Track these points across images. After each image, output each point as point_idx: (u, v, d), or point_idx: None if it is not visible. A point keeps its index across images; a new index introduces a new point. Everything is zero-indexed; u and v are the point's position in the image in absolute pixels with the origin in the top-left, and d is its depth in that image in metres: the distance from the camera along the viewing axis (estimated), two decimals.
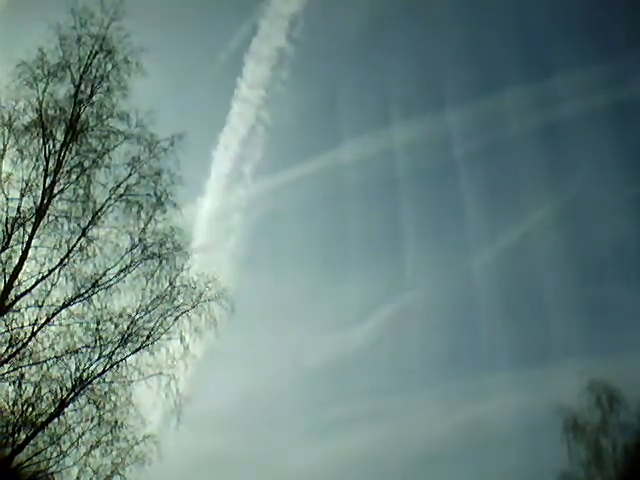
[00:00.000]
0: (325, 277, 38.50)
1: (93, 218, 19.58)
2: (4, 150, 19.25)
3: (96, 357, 19.05)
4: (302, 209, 38.59)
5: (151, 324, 19.62)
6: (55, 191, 19.35)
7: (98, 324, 19.21)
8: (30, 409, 18.41)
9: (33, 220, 18.92)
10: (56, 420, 18.60)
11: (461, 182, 41.60)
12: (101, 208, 19.71)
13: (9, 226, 18.72)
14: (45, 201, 19.13)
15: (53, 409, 18.54)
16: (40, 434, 18.53)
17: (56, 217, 19.33)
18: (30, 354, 18.59)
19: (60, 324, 18.96)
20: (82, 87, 20.03)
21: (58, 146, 19.56)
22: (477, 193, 41.18)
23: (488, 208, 40.89)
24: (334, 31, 38.94)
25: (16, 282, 18.60)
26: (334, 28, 38.86)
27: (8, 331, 18.46)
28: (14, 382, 18.39)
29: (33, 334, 18.52)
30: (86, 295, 19.24)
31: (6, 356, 18.25)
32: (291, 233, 36.42)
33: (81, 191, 19.73)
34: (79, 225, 19.45)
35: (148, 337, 19.50)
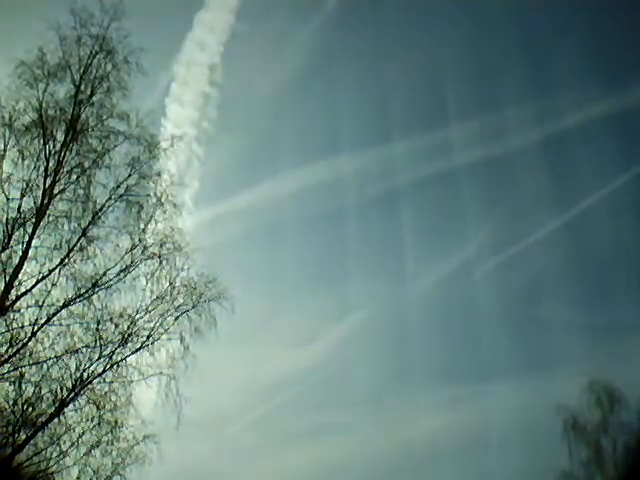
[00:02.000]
0: (279, 299, 39.21)
1: (93, 218, 19.59)
2: (4, 150, 19.23)
3: (96, 357, 19.04)
4: (249, 236, 39.43)
5: (151, 324, 19.62)
6: (55, 191, 19.34)
7: (98, 324, 19.21)
8: (30, 409, 18.42)
9: (33, 220, 18.92)
10: (56, 420, 18.61)
11: (402, 208, 43.18)
12: (101, 208, 19.73)
13: (9, 226, 18.71)
14: (45, 201, 19.11)
15: (53, 409, 18.54)
16: (40, 434, 18.54)
17: (56, 217, 19.35)
18: (30, 354, 18.59)
19: (60, 324, 18.95)
20: (82, 87, 20.02)
21: (58, 146, 19.55)
22: (424, 215, 42.96)
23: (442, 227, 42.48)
24: (258, 75, 40.52)
25: (16, 282, 18.59)
26: (258, 72, 40.50)
27: (8, 331, 18.45)
28: (14, 382, 18.41)
29: (33, 334, 18.50)
30: (86, 295, 19.23)
31: (6, 356, 18.24)
32: (239, 259, 36.91)
33: (81, 191, 19.76)
34: (79, 225, 19.47)
35: (148, 337, 19.49)
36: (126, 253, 19.74)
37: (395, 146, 42.83)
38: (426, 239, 42.09)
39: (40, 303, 18.73)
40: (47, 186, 19.20)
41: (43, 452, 18.68)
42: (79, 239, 19.35)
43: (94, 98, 20.14)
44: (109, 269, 19.56)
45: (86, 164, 19.84)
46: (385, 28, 41.51)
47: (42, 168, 19.30)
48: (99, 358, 19.05)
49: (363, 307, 40.81)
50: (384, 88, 42.91)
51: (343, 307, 40.63)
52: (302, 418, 35.81)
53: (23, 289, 18.71)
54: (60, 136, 19.67)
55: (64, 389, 18.66)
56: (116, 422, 19.14)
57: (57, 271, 19.03)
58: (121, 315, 19.49)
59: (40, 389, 18.58)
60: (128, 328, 19.38)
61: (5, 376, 18.29)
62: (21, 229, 18.85)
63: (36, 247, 19.02)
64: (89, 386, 18.95)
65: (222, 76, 32.73)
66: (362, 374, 38.33)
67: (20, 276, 18.68)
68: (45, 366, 18.66)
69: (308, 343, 39.13)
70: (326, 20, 40.60)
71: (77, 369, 18.85)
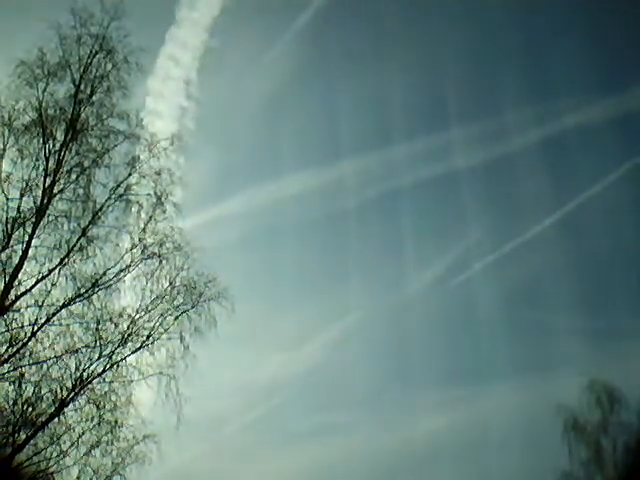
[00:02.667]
0: (276, 301, 39.32)
1: (93, 218, 19.56)
2: (4, 150, 19.21)
3: (96, 357, 19.01)
4: (245, 240, 39.50)
5: (151, 324, 19.58)
6: (55, 191, 19.32)
7: (98, 324, 19.19)
8: (30, 409, 18.39)
9: (33, 220, 18.90)
10: (56, 420, 18.57)
11: (398, 211, 43.69)
12: (101, 208, 19.70)
13: (9, 226, 18.69)
14: (45, 201, 19.10)
15: (53, 409, 18.51)
16: (40, 434, 18.50)
17: (56, 217, 19.31)
18: (30, 354, 18.56)
19: (60, 324, 18.92)
20: (82, 87, 19.99)
21: (58, 146, 19.53)
22: (416, 219, 42.92)
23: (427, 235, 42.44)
24: (234, 91, 40.38)
25: (16, 282, 18.56)
26: (243, 82, 40.52)
27: (8, 331, 18.43)
28: (14, 382, 18.37)
29: (33, 334, 18.48)
30: (86, 295, 19.20)
31: (6, 356, 18.23)
32: (236, 262, 36.68)
33: (81, 191, 19.73)
34: (79, 225, 19.43)
35: (148, 337, 19.45)
36: (126, 253, 19.74)
37: (394, 149, 42.96)
38: (423, 241, 42.07)
39: (40, 303, 18.70)
40: (47, 186, 19.19)
41: (43, 452, 18.63)
42: (79, 239, 19.33)
43: (94, 97, 20.13)
44: (109, 269, 19.54)
45: (86, 163, 19.83)
46: (380, 29, 41.87)
47: (42, 168, 19.29)
48: (99, 358, 19.03)
49: (360, 308, 40.99)
50: (381, 91, 43.03)
51: (341, 308, 40.73)
52: (300, 419, 35.90)
53: (23, 289, 18.69)
54: (60, 135, 19.66)
55: (64, 389, 18.64)
56: (116, 422, 19.09)
57: (57, 271, 19.00)
58: (121, 315, 19.48)
59: (40, 389, 18.56)
60: (128, 328, 19.35)
61: (5, 376, 18.28)
62: (21, 229, 18.83)
63: (36, 247, 19.01)
64: (89, 386, 18.92)
65: (201, 90, 32.41)
66: (360, 375, 38.50)
67: (20, 276, 18.67)
68: (45, 366, 18.65)
69: (306, 344, 39.24)
70: (309, 25, 40.42)
71: (77, 369, 18.83)
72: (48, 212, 19.18)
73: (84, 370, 18.86)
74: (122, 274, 19.61)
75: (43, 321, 18.66)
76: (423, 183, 42.82)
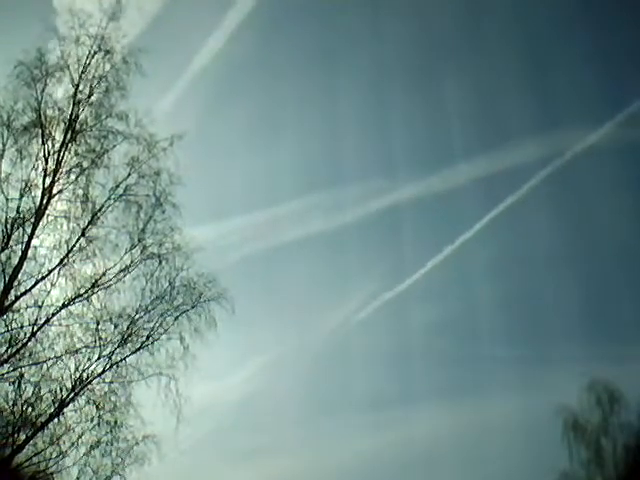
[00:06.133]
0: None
1: (92, 218, 19.59)
2: (3, 150, 19.29)
3: (96, 357, 19.01)
4: None
5: (151, 324, 19.59)
6: (54, 191, 19.38)
7: (98, 324, 19.19)
8: (30, 409, 18.41)
9: (32, 220, 18.94)
10: (56, 420, 18.56)
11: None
12: (100, 208, 19.72)
13: (9, 226, 18.75)
14: (44, 201, 19.15)
15: (53, 409, 18.51)
16: (40, 434, 18.49)
17: (55, 217, 19.39)
18: (30, 354, 18.59)
19: (60, 324, 18.95)
20: (81, 87, 20.11)
21: (57, 146, 19.59)
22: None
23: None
24: None
25: (16, 282, 18.60)
26: None
27: (8, 331, 18.46)
28: (14, 382, 18.37)
29: (33, 334, 18.50)
30: (86, 295, 19.22)
31: (6, 356, 18.24)
32: None
33: (80, 191, 19.79)
34: (78, 225, 19.48)
35: (148, 337, 19.46)
36: (125, 253, 19.74)
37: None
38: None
39: (39, 303, 18.75)
40: (46, 186, 19.24)
41: (43, 452, 18.62)
42: (78, 239, 19.37)
43: (93, 98, 20.21)
44: (108, 269, 19.56)
45: (85, 164, 19.88)
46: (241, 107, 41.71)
47: (41, 168, 19.37)
48: (99, 358, 19.03)
49: (282, 343, 40.76)
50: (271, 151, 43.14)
51: (263, 343, 40.69)
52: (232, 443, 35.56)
53: (22, 289, 18.74)
54: (59, 136, 19.73)
55: (64, 389, 18.65)
56: (116, 422, 19.04)
57: (56, 271, 19.07)
58: (121, 315, 19.48)
59: (40, 389, 18.58)
60: (128, 328, 19.36)
61: (5, 376, 18.29)
62: (20, 229, 18.87)
63: (35, 247, 19.06)
64: (89, 386, 18.91)
65: None
66: (283, 403, 38.51)
67: (19, 276, 18.70)
68: (45, 366, 18.69)
69: (229, 376, 38.91)
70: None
71: (77, 369, 18.84)
72: (47, 212, 19.25)
73: (84, 370, 18.86)
74: (122, 274, 19.62)
75: (43, 321, 18.69)
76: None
